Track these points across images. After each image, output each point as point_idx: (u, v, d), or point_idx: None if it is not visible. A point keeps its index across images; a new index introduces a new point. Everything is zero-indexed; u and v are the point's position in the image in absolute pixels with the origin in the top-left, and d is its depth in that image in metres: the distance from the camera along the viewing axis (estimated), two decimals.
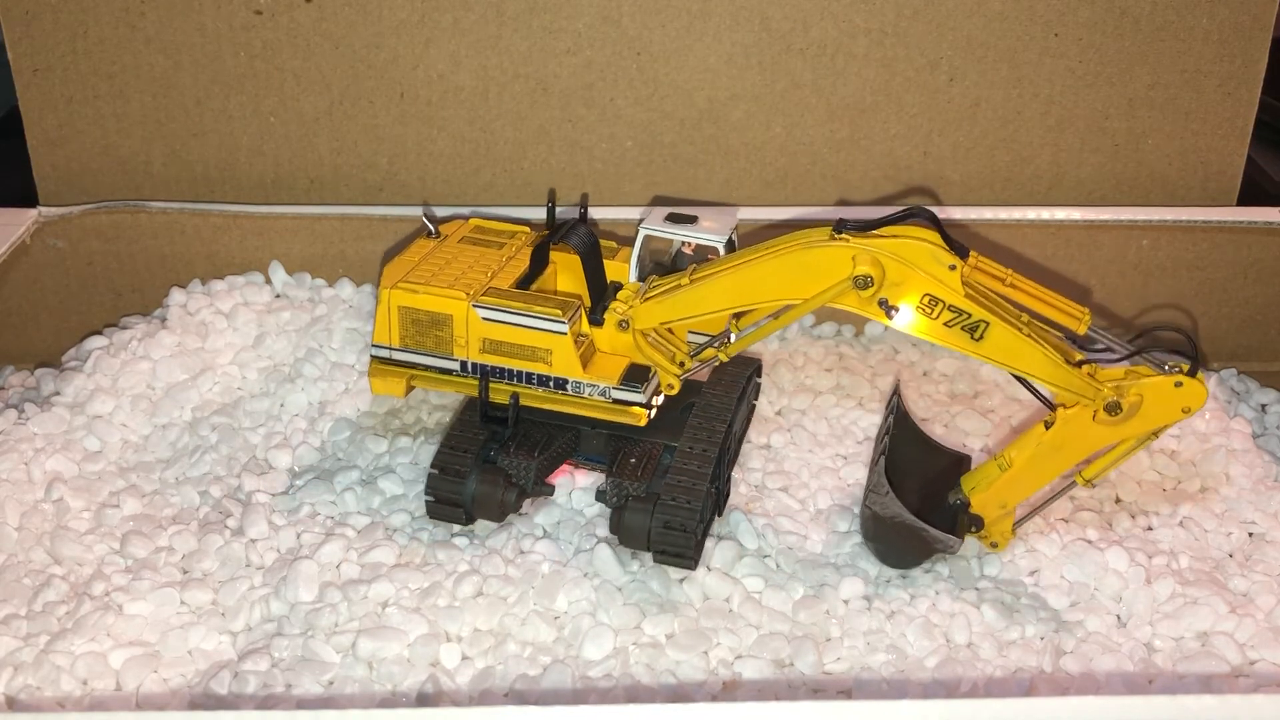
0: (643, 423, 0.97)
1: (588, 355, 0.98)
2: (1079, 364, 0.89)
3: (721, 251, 0.97)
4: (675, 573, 0.95)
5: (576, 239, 1.01)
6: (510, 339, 0.97)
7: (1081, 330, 0.90)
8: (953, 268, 0.87)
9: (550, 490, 1.00)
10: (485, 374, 0.99)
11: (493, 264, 1.02)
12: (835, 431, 1.12)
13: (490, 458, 0.99)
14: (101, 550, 0.97)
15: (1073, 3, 1.22)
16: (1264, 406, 1.21)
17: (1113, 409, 0.88)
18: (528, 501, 1.00)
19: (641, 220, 1.00)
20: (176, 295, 1.22)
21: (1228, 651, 0.90)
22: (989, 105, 1.27)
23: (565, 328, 0.95)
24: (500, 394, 0.99)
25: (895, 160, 1.29)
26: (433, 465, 0.97)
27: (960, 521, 0.95)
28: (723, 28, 1.23)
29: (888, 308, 0.88)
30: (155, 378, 1.14)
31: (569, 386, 0.97)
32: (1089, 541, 0.99)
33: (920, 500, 0.97)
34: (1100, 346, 0.90)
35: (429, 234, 1.07)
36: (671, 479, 0.95)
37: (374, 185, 1.29)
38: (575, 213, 1.07)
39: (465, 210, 1.24)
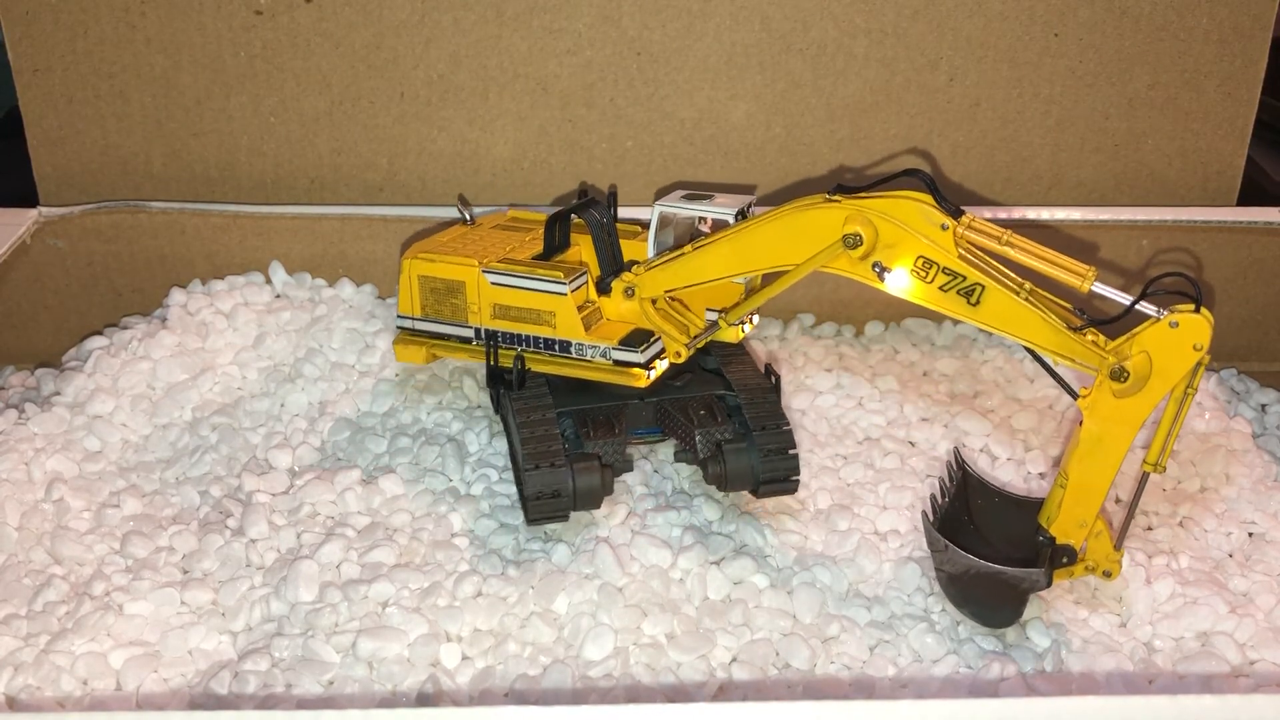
0: (643, 384, 0.98)
1: (592, 320, 1.00)
2: (1081, 329, 0.84)
3: (733, 224, 0.98)
4: (675, 572, 0.95)
5: (588, 214, 1.02)
6: (517, 303, 1.00)
7: (1084, 288, 0.85)
8: (945, 228, 0.85)
9: (630, 465, 1.01)
10: (495, 339, 1.02)
11: (513, 243, 1.06)
12: (835, 431, 1.12)
13: (570, 449, 0.97)
14: (101, 550, 0.96)
15: (1073, 3, 1.22)
16: (1264, 406, 1.20)
17: (1118, 374, 0.83)
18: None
19: (657, 199, 1.01)
20: (177, 295, 1.22)
21: (1228, 651, 0.90)
22: (989, 105, 1.27)
23: (566, 289, 0.98)
24: (508, 361, 1.02)
25: (895, 160, 1.29)
26: (527, 471, 0.94)
27: (1043, 555, 0.89)
28: (723, 28, 1.23)
29: (881, 271, 0.86)
30: (155, 378, 1.14)
31: (572, 349, 1.00)
32: None
33: (1013, 553, 0.91)
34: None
35: (464, 221, 1.12)
36: (751, 413, 0.98)
37: (374, 185, 1.29)
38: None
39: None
